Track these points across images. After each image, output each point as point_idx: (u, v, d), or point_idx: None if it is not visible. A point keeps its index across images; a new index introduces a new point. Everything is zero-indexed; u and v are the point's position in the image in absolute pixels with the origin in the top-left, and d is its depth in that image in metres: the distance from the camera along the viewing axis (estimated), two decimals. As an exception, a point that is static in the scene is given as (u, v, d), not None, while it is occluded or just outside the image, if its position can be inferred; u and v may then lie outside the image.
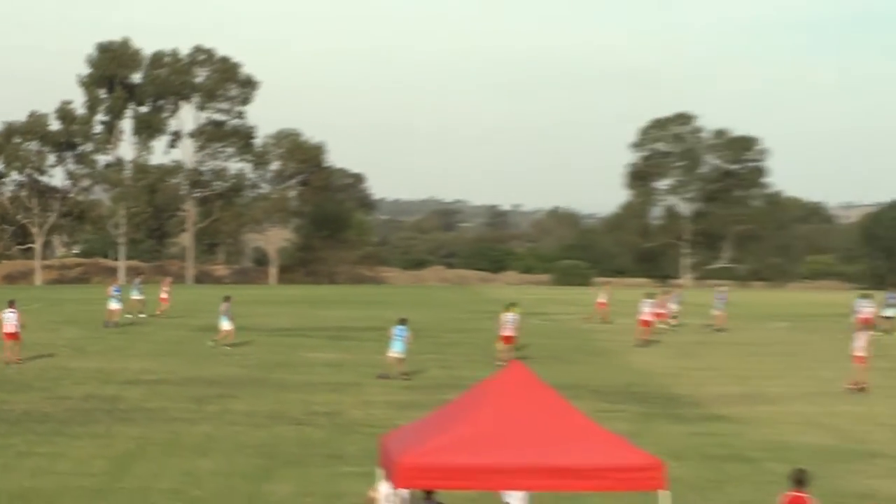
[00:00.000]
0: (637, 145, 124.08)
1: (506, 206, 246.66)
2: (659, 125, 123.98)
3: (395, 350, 39.81)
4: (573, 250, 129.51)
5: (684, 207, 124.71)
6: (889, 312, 57.45)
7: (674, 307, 60.24)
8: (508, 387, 15.86)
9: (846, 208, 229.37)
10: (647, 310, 51.97)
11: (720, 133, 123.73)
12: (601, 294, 63.69)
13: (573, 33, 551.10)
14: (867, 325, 51.06)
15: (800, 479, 17.25)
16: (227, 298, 49.15)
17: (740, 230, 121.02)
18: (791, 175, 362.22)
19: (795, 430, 31.86)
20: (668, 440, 29.44)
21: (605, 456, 15.14)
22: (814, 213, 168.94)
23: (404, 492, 16.23)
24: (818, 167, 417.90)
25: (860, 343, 39.27)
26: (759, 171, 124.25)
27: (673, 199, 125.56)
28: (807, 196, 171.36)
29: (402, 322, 40.62)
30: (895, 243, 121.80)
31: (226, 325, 47.94)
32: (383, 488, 17.73)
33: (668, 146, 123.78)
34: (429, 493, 16.72)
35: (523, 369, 16.37)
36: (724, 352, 49.41)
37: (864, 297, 56.26)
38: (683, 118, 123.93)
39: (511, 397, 15.63)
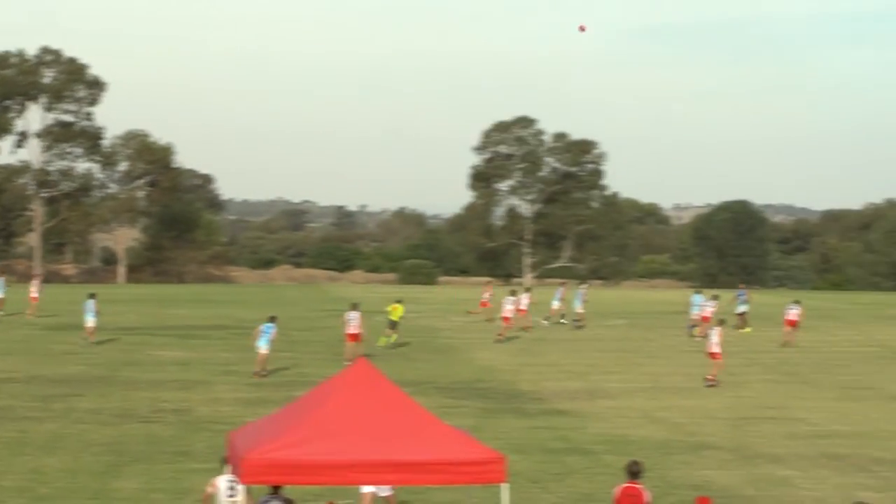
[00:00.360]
0: (480, 148, 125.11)
1: (353, 207, 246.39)
2: (501, 128, 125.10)
3: (261, 346, 40.18)
4: (419, 250, 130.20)
5: (526, 208, 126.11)
6: (741, 309, 58.95)
7: (556, 304, 61.12)
8: (354, 384, 16.21)
9: (679, 210, 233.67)
10: (509, 307, 52.95)
11: (560, 136, 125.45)
12: (484, 293, 64.40)
13: (419, 37, 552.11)
14: (707, 321, 52.60)
15: (634, 472, 17.98)
16: (92, 296, 48.96)
17: (579, 230, 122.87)
18: (627, 177, 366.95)
19: (632, 423, 32.80)
20: (510, 434, 30.17)
21: (448, 451, 15.60)
22: (649, 214, 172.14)
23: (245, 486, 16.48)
24: (653, 170, 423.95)
25: (714, 339, 40.45)
26: (598, 174, 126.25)
27: (515, 200, 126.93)
28: (642, 198, 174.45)
29: (272, 320, 41.33)
30: (726, 243, 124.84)
31: (90, 321, 47.85)
32: (220, 483, 18.07)
33: (509, 149, 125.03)
34: (276, 489, 17.02)
35: (369, 367, 16.73)
36: (565, 348, 50.35)
37: (714, 297, 57.57)
38: (525, 121, 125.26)
39: (357, 394, 15.99)
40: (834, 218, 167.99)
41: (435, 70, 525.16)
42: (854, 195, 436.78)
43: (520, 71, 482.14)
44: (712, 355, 40.15)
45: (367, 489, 20.00)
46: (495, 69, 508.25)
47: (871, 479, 26.41)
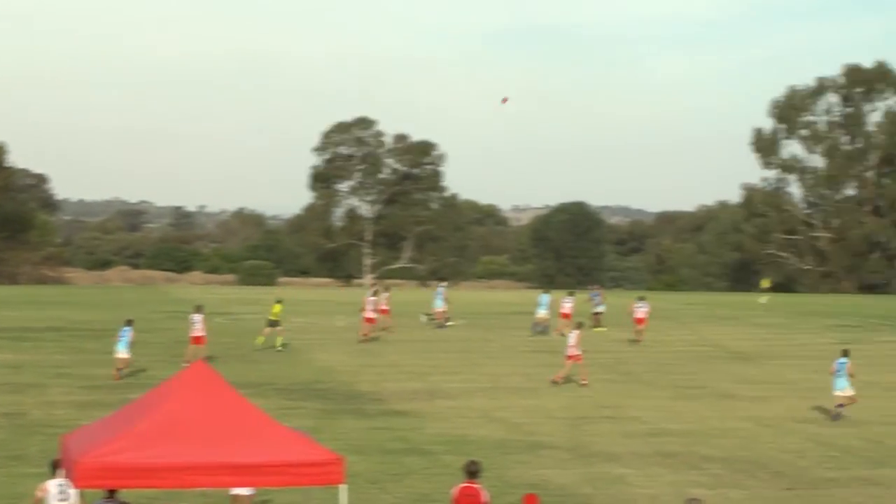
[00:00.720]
0: (320, 149, 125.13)
1: (191, 208, 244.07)
2: (341, 129, 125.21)
3: (120, 350, 39.70)
4: (258, 251, 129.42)
5: (366, 209, 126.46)
6: (598, 309, 59.65)
7: (440, 305, 61.28)
8: (191, 386, 16.10)
9: (518, 211, 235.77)
10: (370, 308, 52.95)
11: (400, 138, 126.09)
12: (382, 299, 64.10)
13: (259, 36, 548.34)
14: (567, 318, 53.41)
15: (472, 471, 18.12)
16: None
17: (419, 231, 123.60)
18: (467, 179, 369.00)
19: (471, 423, 33.01)
20: (349, 436, 30.17)
21: (286, 452, 15.58)
22: (488, 216, 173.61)
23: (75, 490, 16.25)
24: (492, 172, 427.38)
25: (572, 342, 40.91)
26: (437, 175, 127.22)
27: (355, 201, 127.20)
28: (482, 199, 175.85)
29: (129, 323, 41.09)
30: (563, 244, 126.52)
31: None
32: (51, 487, 17.79)
33: (349, 149, 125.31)
34: (111, 493, 16.79)
35: (206, 369, 16.64)
36: (405, 348, 50.41)
37: (570, 293, 58.51)
38: (365, 122, 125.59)
39: (193, 396, 15.88)
40: (668, 220, 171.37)
41: (275, 70, 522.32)
42: (687, 197, 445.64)
43: (360, 73, 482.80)
44: (570, 357, 40.66)
45: (236, 491, 19.92)
46: (335, 71, 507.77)
47: (702, 476, 26.99)
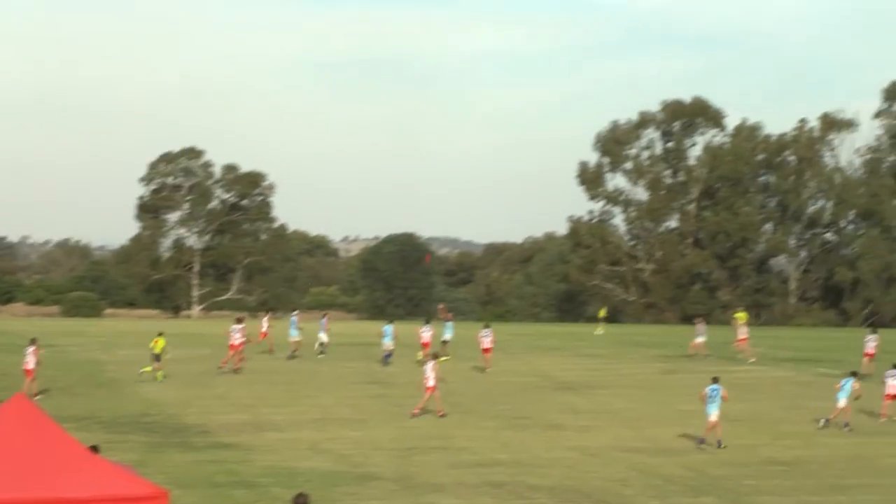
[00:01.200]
0: (146, 179, 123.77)
1: (14, 238, 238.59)
2: (168, 159, 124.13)
3: None
4: (83, 282, 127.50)
5: (194, 240, 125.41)
6: (446, 336, 59.90)
7: (323, 336, 60.84)
8: (9, 420, 15.78)
9: (348, 242, 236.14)
10: (237, 335, 52.55)
11: (229, 168, 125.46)
12: (263, 324, 63.45)
13: (86, 63, 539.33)
14: (427, 346, 53.72)
15: (301, 503, 18.07)
16: None
17: (248, 262, 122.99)
18: (297, 210, 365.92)
19: (300, 455, 32.87)
20: (175, 469, 29.81)
21: (108, 486, 15.32)
22: (318, 247, 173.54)
23: None
24: (322, 203, 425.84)
25: (429, 373, 40.94)
26: (267, 206, 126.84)
27: (183, 232, 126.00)
28: (311, 230, 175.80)
29: None
30: (393, 275, 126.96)
31: None
32: None
33: (177, 180, 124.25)
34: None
35: (25, 402, 16.32)
36: (234, 381, 49.99)
37: (427, 321, 58.96)
38: (192, 153, 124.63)
39: (12, 431, 15.56)
40: (496, 251, 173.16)
41: (102, 97, 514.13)
42: (516, 229, 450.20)
43: (188, 102, 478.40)
44: (428, 388, 40.80)
45: None
46: (163, 99, 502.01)
47: (528, 505, 27.23)
